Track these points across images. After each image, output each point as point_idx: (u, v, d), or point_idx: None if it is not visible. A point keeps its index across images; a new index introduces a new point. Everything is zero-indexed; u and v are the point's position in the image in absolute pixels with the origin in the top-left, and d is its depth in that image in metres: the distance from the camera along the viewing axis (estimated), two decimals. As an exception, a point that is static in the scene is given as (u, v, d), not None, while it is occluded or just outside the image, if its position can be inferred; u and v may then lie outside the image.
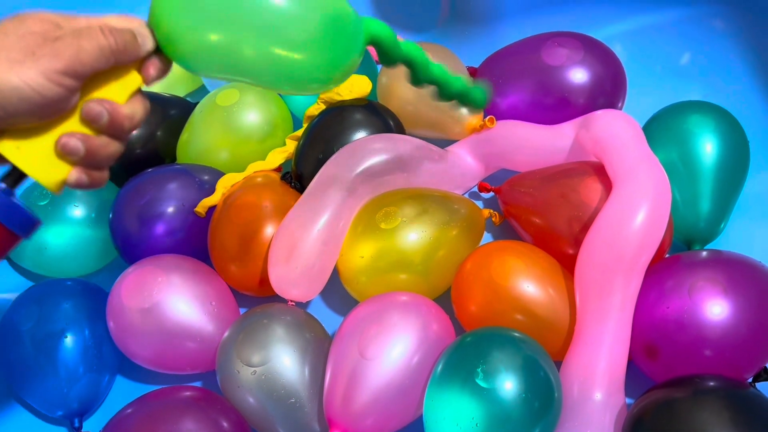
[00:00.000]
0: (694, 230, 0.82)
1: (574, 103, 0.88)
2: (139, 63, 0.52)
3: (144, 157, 0.92)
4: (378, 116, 0.88)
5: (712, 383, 0.65)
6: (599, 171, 0.77)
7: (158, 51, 0.52)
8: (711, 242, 0.83)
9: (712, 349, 0.68)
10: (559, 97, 0.88)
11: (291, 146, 0.90)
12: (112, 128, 0.50)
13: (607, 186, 0.75)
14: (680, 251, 0.80)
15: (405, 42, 0.60)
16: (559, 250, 0.78)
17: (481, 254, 0.77)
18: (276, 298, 0.80)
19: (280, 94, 0.98)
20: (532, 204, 0.81)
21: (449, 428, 0.63)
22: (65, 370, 0.77)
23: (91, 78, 0.49)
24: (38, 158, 0.49)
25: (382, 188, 0.82)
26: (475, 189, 0.92)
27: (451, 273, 0.79)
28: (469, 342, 0.68)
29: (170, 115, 0.94)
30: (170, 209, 0.84)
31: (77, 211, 0.86)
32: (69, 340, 0.78)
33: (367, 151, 0.81)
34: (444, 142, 0.90)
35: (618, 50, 0.93)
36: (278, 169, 0.90)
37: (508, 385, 0.63)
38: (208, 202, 0.84)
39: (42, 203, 0.85)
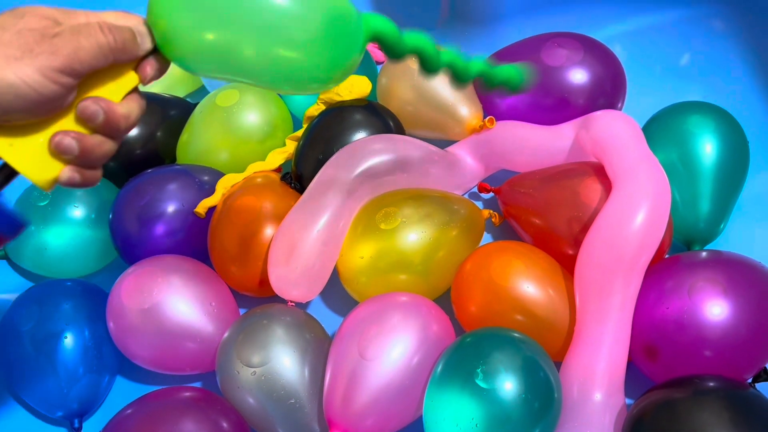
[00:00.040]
0: (693, 231, 0.82)
1: (573, 103, 0.88)
2: (136, 62, 0.52)
3: (144, 158, 0.92)
4: (378, 117, 0.88)
5: (711, 384, 0.65)
6: (599, 171, 0.77)
7: (156, 50, 0.52)
8: (711, 243, 0.83)
9: (712, 349, 0.68)
10: (558, 98, 0.88)
11: (291, 147, 0.90)
12: (108, 127, 0.50)
13: (607, 186, 0.75)
14: (680, 252, 0.80)
15: (409, 33, 0.58)
16: (558, 251, 0.78)
17: (481, 255, 0.77)
18: (276, 299, 0.80)
19: (279, 95, 0.98)
20: (532, 204, 0.81)
21: (449, 429, 0.63)
22: (65, 370, 0.77)
23: (87, 76, 0.49)
24: (31, 156, 0.49)
25: (381, 189, 0.82)
26: (475, 189, 0.92)
27: (451, 273, 0.79)
28: (469, 342, 0.68)
29: (170, 115, 0.94)
30: (170, 210, 0.84)
31: (77, 211, 0.86)
32: (69, 341, 0.78)
33: (366, 151, 0.81)
34: (444, 143, 0.90)
35: (618, 51, 0.93)
36: (278, 170, 0.91)
37: (508, 385, 0.63)
38: (208, 202, 0.84)
39: (42, 204, 0.85)
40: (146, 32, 0.51)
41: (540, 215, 0.80)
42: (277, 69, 0.52)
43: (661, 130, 0.85)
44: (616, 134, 0.76)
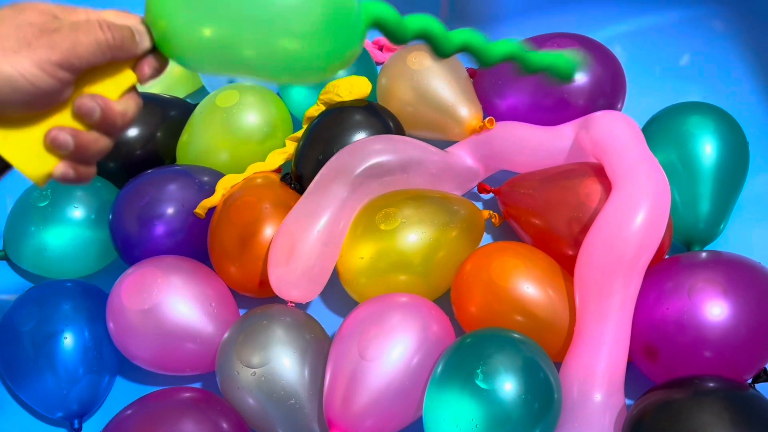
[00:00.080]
0: (693, 231, 0.82)
1: (573, 104, 0.88)
2: (134, 61, 0.52)
3: (144, 159, 0.92)
4: (377, 117, 0.88)
5: (711, 384, 0.65)
6: (599, 172, 0.77)
7: (155, 49, 0.52)
8: (710, 243, 0.83)
9: (712, 350, 0.68)
10: (558, 99, 0.88)
11: (291, 147, 0.90)
12: (104, 124, 0.50)
13: (607, 187, 0.75)
14: (680, 252, 0.80)
15: (413, 16, 0.57)
16: (558, 251, 0.78)
17: (481, 255, 0.77)
18: (276, 299, 0.80)
19: (279, 95, 0.98)
20: (532, 205, 0.81)
21: (449, 429, 0.64)
22: (65, 371, 0.77)
23: (85, 73, 0.49)
24: (26, 150, 0.49)
25: (381, 189, 0.82)
26: (475, 190, 0.92)
27: (451, 274, 0.79)
28: (469, 343, 0.68)
29: (170, 116, 0.94)
30: (170, 210, 0.84)
31: (77, 212, 0.86)
32: (69, 341, 0.78)
33: (366, 152, 0.81)
34: (443, 143, 0.90)
35: (617, 51, 0.93)
36: (278, 170, 0.91)
37: (508, 386, 0.63)
38: (207, 203, 0.84)
39: (42, 204, 0.85)
40: (145, 31, 0.51)
41: (540, 216, 0.80)
42: (276, 60, 0.52)
43: (661, 130, 0.85)
44: (615, 135, 0.76)
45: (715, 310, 0.68)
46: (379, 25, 0.55)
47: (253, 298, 0.85)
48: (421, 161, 0.84)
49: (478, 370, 0.64)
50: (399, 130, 0.89)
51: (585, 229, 0.74)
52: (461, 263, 0.78)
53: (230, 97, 0.91)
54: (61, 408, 0.78)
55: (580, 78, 0.88)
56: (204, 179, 0.87)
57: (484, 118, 0.91)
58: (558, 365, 0.71)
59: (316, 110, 0.91)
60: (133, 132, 0.91)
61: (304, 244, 0.77)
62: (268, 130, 0.92)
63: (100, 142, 0.51)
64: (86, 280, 0.86)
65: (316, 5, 0.51)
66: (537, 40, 0.92)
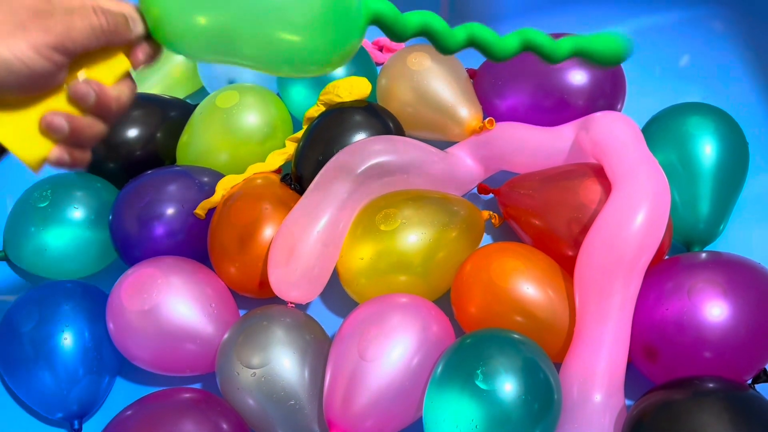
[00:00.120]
0: (693, 232, 0.82)
1: (573, 104, 0.88)
2: (128, 47, 0.52)
3: (144, 159, 0.92)
4: (377, 118, 0.88)
5: (711, 385, 0.65)
6: (599, 173, 0.77)
7: (148, 36, 0.52)
8: (710, 244, 0.83)
9: (712, 350, 0.68)
10: (558, 99, 0.88)
11: (291, 148, 0.91)
12: (99, 109, 0.51)
13: (607, 188, 0.75)
14: (680, 253, 0.80)
15: (413, 13, 0.56)
16: (558, 252, 0.78)
17: (481, 256, 0.77)
18: (276, 300, 0.80)
19: (279, 96, 0.98)
20: (532, 206, 0.81)
21: (449, 430, 0.64)
22: (65, 371, 0.77)
23: (79, 58, 0.49)
24: (21, 134, 0.49)
25: (381, 190, 0.82)
26: (475, 191, 0.92)
27: (451, 275, 0.79)
28: (469, 344, 0.68)
29: (170, 116, 0.95)
30: (170, 211, 0.84)
31: (77, 212, 0.86)
32: (69, 342, 0.78)
33: (366, 152, 0.81)
34: (443, 144, 0.90)
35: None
36: (278, 171, 0.91)
37: (508, 386, 0.63)
38: (207, 203, 0.84)
39: (42, 205, 0.85)
40: (138, 17, 0.52)
41: (540, 216, 0.80)
42: (273, 51, 0.52)
43: (661, 131, 0.85)
44: (615, 135, 0.76)
45: (715, 310, 0.68)
46: (379, 21, 0.55)
47: (253, 299, 0.85)
48: (421, 162, 0.84)
49: (478, 371, 0.64)
50: (399, 131, 0.89)
51: (585, 229, 0.74)
52: (461, 264, 0.78)
53: (230, 98, 0.91)
54: (61, 408, 0.78)
55: (580, 78, 0.88)
56: (204, 180, 0.87)
57: (484, 118, 0.91)
58: (558, 366, 0.71)
59: (316, 111, 0.91)
60: (133, 133, 0.91)
61: (304, 244, 0.77)
62: (268, 130, 0.92)
63: (95, 127, 0.51)
64: (86, 281, 0.86)
65: None
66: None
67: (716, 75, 1.02)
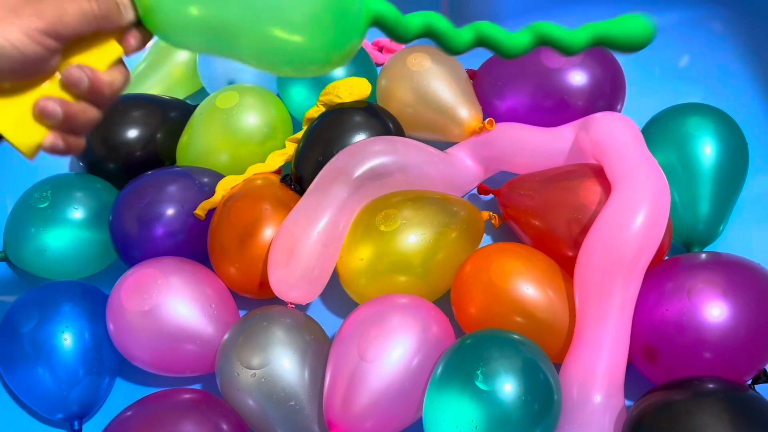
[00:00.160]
0: (693, 232, 0.82)
1: (573, 105, 0.88)
2: (119, 33, 0.52)
3: (144, 160, 0.92)
4: (377, 118, 0.88)
5: (711, 385, 0.65)
6: (598, 173, 0.77)
7: (140, 23, 0.53)
8: (710, 244, 0.83)
9: (712, 351, 0.68)
10: (558, 100, 0.88)
11: (291, 148, 0.91)
12: (92, 94, 0.51)
13: (607, 188, 0.75)
14: (679, 253, 0.80)
15: (416, 15, 0.55)
16: (558, 253, 0.78)
17: (481, 256, 0.77)
18: (276, 301, 0.80)
19: (279, 97, 0.98)
20: (532, 206, 0.81)
21: (449, 430, 0.64)
22: (65, 372, 0.77)
23: (72, 44, 0.50)
24: (15, 120, 0.49)
25: (381, 190, 0.82)
26: (475, 191, 0.92)
27: (451, 275, 0.79)
28: (469, 344, 0.68)
29: (170, 117, 0.95)
30: (170, 211, 0.84)
31: (77, 213, 0.86)
32: (69, 343, 0.78)
33: (366, 153, 0.81)
34: (443, 145, 0.91)
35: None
36: (278, 172, 0.91)
37: (508, 387, 0.63)
38: (207, 204, 0.84)
39: (42, 206, 0.85)
40: (129, 4, 0.52)
41: (539, 217, 0.80)
42: (271, 50, 0.51)
43: (661, 131, 0.85)
44: (615, 136, 0.77)
45: (715, 311, 0.68)
46: (380, 23, 0.54)
47: (253, 300, 0.85)
48: (420, 163, 0.84)
49: (478, 372, 0.64)
50: (399, 132, 0.89)
51: (585, 230, 0.74)
52: (461, 264, 0.78)
53: (230, 99, 0.91)
54: (61, 409, 0.78)
55: (580, 79, 0.88)
56: (204, 180, 0.87)
57: (484, 119, 0.91)
58: (558, 366, 0.71)
59: (315, 111, 0.91)
60: (133, 133, 0.91)
61: (304, 245, 0.77)
62: (268, 131, 0.92)
63: (88, 112, 0.52)
64: (86, 282, 0.86)
65: None
66: (537, 41, 0.92)
67: (716, 76, 1.02)
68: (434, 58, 0.92)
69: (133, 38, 0.53)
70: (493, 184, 0.90)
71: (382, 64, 1.06)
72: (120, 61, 0.53)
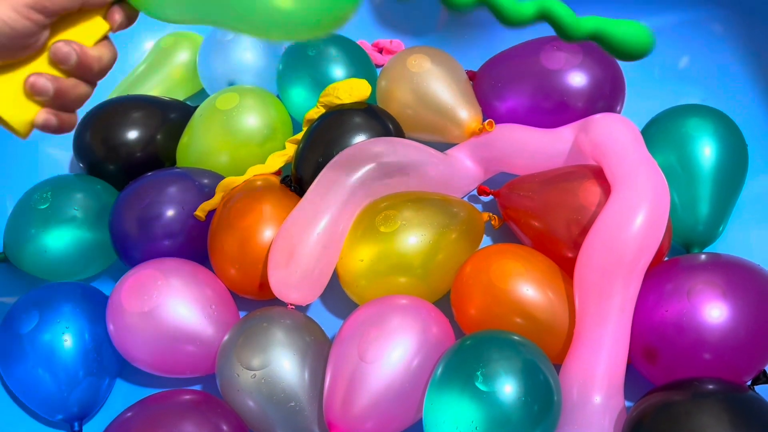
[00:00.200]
0: (692, 233, 0.82)
1: (573, 106, 0.88)
2: (105, 9, 0.53)
3: (144, 161, 0.92)
4: (377, 120, 0.88)
5: (711, 386, 0.65)
6: (598, 174, 0.77)
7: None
8: (710, 245, 0.83)
9: (711, 352, 0.68)
10: (558, 101, 0.88)
11: (291, 150, 0.91)
12: (81, 69, 0.52)
13: (606, 189, 0.75)
14: (679, 254, 0.80)
15: None
16: (558, 254, 0.78)
17: (481, 257, 0.77)
18: (276, 302, 0.80)
19: (279, 98, 0.98)
20: (531, 207, 0.81)
21: (449, 431, 0.64)
22: (65, 373, 0.77)
23: (59, 21, 0.51)
24: (6, 97, 0.50)
25: (381, 191, 0.82)
26: (475, 192, 0.92)
27: (451, 276, 0.79)
28: (469, 345, 0.68)
29: (170, 118, 0.95)
30: (170, 213, 0.84)
31: (77, 214, 0.86)
32: (69, 344, 0.78)
33: (366, 154, 0.81)
34: (443, 146, 0.91)
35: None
36: (278, 173, 0.91)
37: (508, 388, 0.63)
38: (207, 205, 0.84)
39: (42, 207, 0.85)
40: None
41: (539, 218, 0.80)
42: (260, 11, 0.51)
43: (660, 133, 0.85)
44: (615, 137, 0.77)
45: (715, 312, 0.68)
46: None
47: (253, 301, 0.85)
48: (420, 164, 0.84)
49: (478, 372, 0.64)
50: (399, 133, 0.89)
51: (584, 231, 0.74)
52: (461, 265, 0.78)
53: (230, 100, 0.91)
54: (61, 410, 0.78)
55: (580, 80, 0.88)
56: (204, 181, 0.87)
57: (484, 120, 0.91)
58: (558, 367, 0.71)
59: (315, 113, 0.91)
60: (133, 134, 0.92)
61: (304, 246, 0.77)
62: (268, 132, 0.92)
63: (79, 87, 0.53)
64: (86, 283, 0.86)
65: None
66: (536, 42, 0.92)
67: (715, 77, 1.02)
68: (434, 59, 0.92)
69: (118, 14, 0.54)
70: (493, 185, 0.90)
71: (381, 66, 1.06)
72: (107, 38, 0.54)
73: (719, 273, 0.71)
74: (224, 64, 0.99)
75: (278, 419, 0.71)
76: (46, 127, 0.52)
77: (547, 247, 0.79)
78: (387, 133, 0.87)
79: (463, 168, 0.88)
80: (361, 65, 0.97)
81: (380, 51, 1.11)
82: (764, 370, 0.70)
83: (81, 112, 0.57)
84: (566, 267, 0.76)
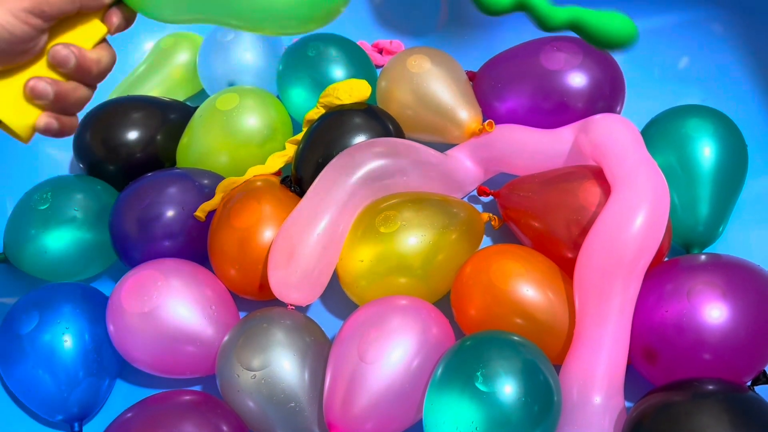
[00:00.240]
0: (692, 234, 0.82)
1: (572, 107, 0.88)
2: (102, 12, 0.53)
3: (144, 161, 0.92)
4: (377, 120, 0.88)
5: (711, 387, 0.65)
6: (598, 175, 0.77)
7: (121, 1, 0.54)
8: (709, 246, 0.83)
9: (711, 352, 0.68)
10: (557, 101, 0.88)
11: (291, 150, 0.91)
12: (80, 72, 0.52)
13: (606, 190, 0.75)
14: (679, 255, 0.81)
15: None
16: (558, 254, 0.78)
17: (481, 258, 0.77)
18: (276, 302, 0.80)
19: (279, 99, 0.98)
20: (531, 208, 0.81)
21: (449, 432, 0.64)
22: (65, 374, 0.77)
23: (57, 25, 0.51)
24: (7, 102, 0.50)
25: (381, 192, 0.82)
26: (475, 193, 0.92)
27: (451, 277, 0.79)
28: (469, 346, 0.68)
29: (170, 119, 0.95)
30: (170, 213, 0.84)
31: (77, 215, 0.86)
32: (69, 344, 0.78)
33: (366, 155, 0.81)
34: (443, 146, 0.91)
35: (617, 54, 0.93)
36: (278, 173, 0.91)
37: (508, 388, 0.63)
38: (207, 206, 0.84)
39: (42, 207, 0.85)
40: None
41: (539, 218, 0.80)
42: (251, 6, 0.52)
43: (660, 133, 0.85)
44: (615, 138, 0.77)
45: (715, 312, 0.68)
46: None
47: (253, 301, 0.85)
48: (420, 164, 0.84)
49: (478, 373, 0.64)
50: (399, 133, 0.89)
51: (584, 231, 0.74)
52: (461, 266, 0.78)
53: (230, 101, 0.91)
54: (61, 411, 0.78)
55: (580, 81, 0.88)
56: (204, 182, 0.87)
57: (484, 121, 0.91)
58: (558, 368, 0.71)
59: (315, 113, 0.91)
60: (133, 135, 0.92)
61: (304, 246, 0.77)
62: (268, 133, 0.92)
63: (78, 90, 0.53)
64: (86, 283, 0.86)
65: None
66: (536, 42, 0.92)
67: (715, 77, 1.02)
68: (434, 60, 0.92)
69: (115, 16, 0.54)
70: (493, 185, 0.90)
71: (381, 66, 1.06)
72: (105, 40, 0.54)
73: (719, 273, 0.71)
74: (224, 65, 0.99)
75: (278, 420, 0.71)
76: (47, 131, 0.52)
77: (547, 248, 0.79)
78: (387, 133, 0.87)
79: (462, 168, 0.89)
80: (361, 66, 0.97)
81: (380, 51, 1.11)
82: (764, 371, 0.70)
83: (81, 114, 0.57)
84: (566, 267, 0.76)
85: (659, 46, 1.06)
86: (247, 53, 1.00)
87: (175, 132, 0.94)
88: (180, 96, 1.05)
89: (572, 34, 0.57)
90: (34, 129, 0.52)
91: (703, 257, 0.75)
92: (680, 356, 0.69)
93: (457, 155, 0.89)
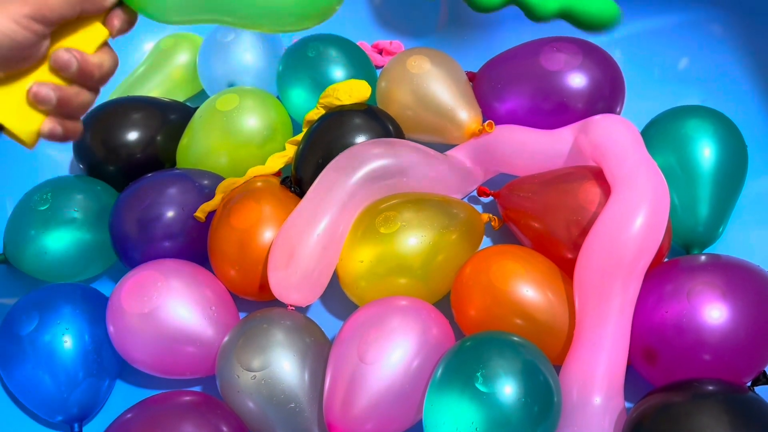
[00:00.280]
0: (692, 234, 0.82)
1: (572, 107, 0.88)
2: (104, 15, 0.53)
3: (144, 162, 0.92)
4: (377, 121, 0.88)
5: (711, 387, 0.65)
6: (598, 175, 0.77)
7: (122, 3, 0.54)
8: (709, 246, 0.84)
9: (711, 353, 0.68)
10: (557, 102, 0.88)
11: (291, 151, 0.91)
12: (82, 76, 0.52)
13: (606, 190, 0.75)
14: (679, 255, 0.81)
15: None
16: (558, 255, 0.78)
17: (481, 258, 0.77)
18: (276, 303, 0.80)
19: (279, 99, 0.98)
20: (531, 208, 0.81)
21: (449, 432, 0.64)
22: (65, 374, 0.77)
23: (58, 29, 0.51)
24: (11, 108, 0.50)
25: (381, 193, 0.82)
26: (474, 193, 0.92)
27: (451, 277, 0.79)
28: (469, 346, 0.68)
29: (170, 119, 0.95)
30: (170, 214, 0.84)
31: (77, 215, 0.86)
32: (69, 345, 0.78)
33: (366, 155, 0.81)
34: (443, 147, 0.91)
35: (617, 55, 0.93)
36: (278, 174, 0.91)
37: (508, 389, 0.63)
38: (207, 206, 0.84)
39: (42, 208, 0.85)
40: None
41: (539, 219, 0.80)
42: (249, 4, 0.52)
43: (660, 134, 0.85)
44: (615, 138, 0.77)
45: (714, 313, 0.68)
46: None
47: (253, 302, 0.85)
48: (420, 165, 0.84)
49: (478, 374, 0.64)
50: (398, 134, 0.89)
51: (584, 232, 0.74)
52: (461, 266, 0.78)
53: (230, 101, 0.91)
54: (61, 411, 0.78)
55: (580, 81, 0.88)
56: (204, 183, 0.87)
57: (484, 121, 0.91)
58: (558, 368, 0.71)
59: (315, 114, 0.91)
60: (133, 136, 0.92)
61: (304, 247, 0.77)
62: (268, 133, 0.92)
63: (81, 95, 0.53)
64: (86, 284, 0.86)
65: None
66: (536, 43, 0.92)
67: (715, 78, 1.02)
68: (434, 60, 0.92)
69: (117, 19, 0.54)
70: (493, 186, 0.90)
71: (381, 67, 1.06)
72: (107, 44, 0.54)
73: (719, 274, 0.71)
74: (224, 66, 0.99)
75: (278, 420, 0.71)
76: (52, 136, 0.52)
77: (547, 248, 0.79)
78: (387, 134, 0.87)
79: (462, 169, 0.89)
80: (361, 66, 0.98)
81: (380, 52, 1.11)
82: (764, 371, 0.70)
83: (82, 115, 0.57)
84: (566, 268, 0.76)
85: (659, 46, 1.06)
86: (247, 54, 1.00)
87: (175, 133, 0.94)
88: (180, 97, 1.05)
89: (563, 25, 0.61)
90: (39, 134, 0.52)
91: (703, 258, 0.75)
92: (680, 357, 0.69)
93: (457, 156, 0.89)
